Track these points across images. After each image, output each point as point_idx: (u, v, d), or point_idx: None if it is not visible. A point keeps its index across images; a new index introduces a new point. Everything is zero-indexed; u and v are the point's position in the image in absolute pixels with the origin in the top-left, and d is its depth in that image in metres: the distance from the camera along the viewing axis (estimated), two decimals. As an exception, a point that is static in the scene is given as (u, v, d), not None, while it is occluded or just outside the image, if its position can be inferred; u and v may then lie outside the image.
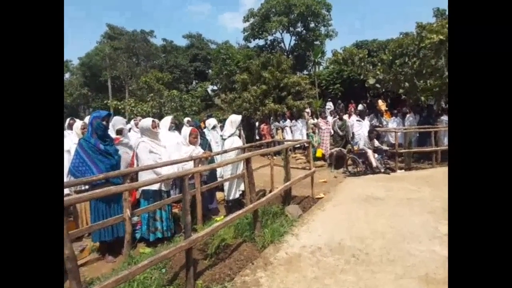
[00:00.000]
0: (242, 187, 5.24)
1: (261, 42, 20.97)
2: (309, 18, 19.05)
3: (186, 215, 2.56)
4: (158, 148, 3.93)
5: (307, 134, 12.03)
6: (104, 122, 3.79)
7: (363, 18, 67.96)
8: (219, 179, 5.60)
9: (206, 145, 5.06)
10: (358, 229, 3.85)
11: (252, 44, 20.98)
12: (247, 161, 3.50)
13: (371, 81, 11.22)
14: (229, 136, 5.40)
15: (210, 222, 4.53)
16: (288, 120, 13.09)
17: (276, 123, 12.96)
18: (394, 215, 4.35)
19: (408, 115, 10.54)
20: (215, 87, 23.70)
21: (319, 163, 9.65)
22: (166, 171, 3.85)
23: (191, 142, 4.27)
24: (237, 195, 5.25)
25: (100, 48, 26.08)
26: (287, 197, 4.86)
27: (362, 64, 11.08)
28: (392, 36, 17.62)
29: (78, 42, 56.72)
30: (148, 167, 3.64)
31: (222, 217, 4.76)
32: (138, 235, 4.10)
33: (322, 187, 6.66)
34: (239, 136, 5.69)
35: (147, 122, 3.88)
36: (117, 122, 4.74)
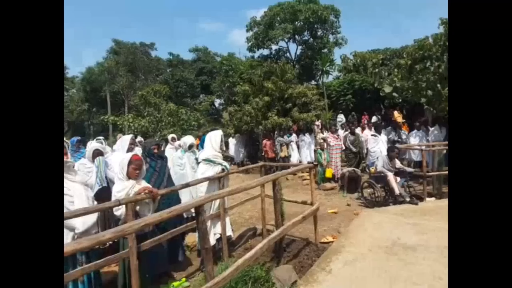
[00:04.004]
0: (219, 229, 3.82)
1: (265, 52, 19.83)
2: (316, 25, 17.82)
3: None
4: (71, 186, 2.58)
5: (315, 151, 10.58)
6: None
7: (375, 27, 66.63)
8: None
9: (162, 177, 3.59)
10: (384, 316, 2.39)
11: (256, 54, 19.85)
12: (197, 211, 2.11)
13: (387, 89, 9.75)
14: (204, 160, 3.99)
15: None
16: (294, 135, 11.75)
17: (280, 138, 11.59)
18: (437, 282, 2.85)
19: (432, 129, 8.99)
20: (222, 101, 22.73)
21: (328, 185, 8.23)
22: (81, 222, 2.51)
23: (131, 175, 2.90)
24: (212, 242, 3.81)
25: (101, 62, 25.50)
26: (278, 249, 3.42)
27: (376, 70, 9.63)
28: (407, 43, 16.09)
29: (86, 57, 57.19)
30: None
31: (184, 280, 3.35)
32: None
33: (330, 222, 5.20)
34: (224, 159, 4.24)
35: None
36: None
